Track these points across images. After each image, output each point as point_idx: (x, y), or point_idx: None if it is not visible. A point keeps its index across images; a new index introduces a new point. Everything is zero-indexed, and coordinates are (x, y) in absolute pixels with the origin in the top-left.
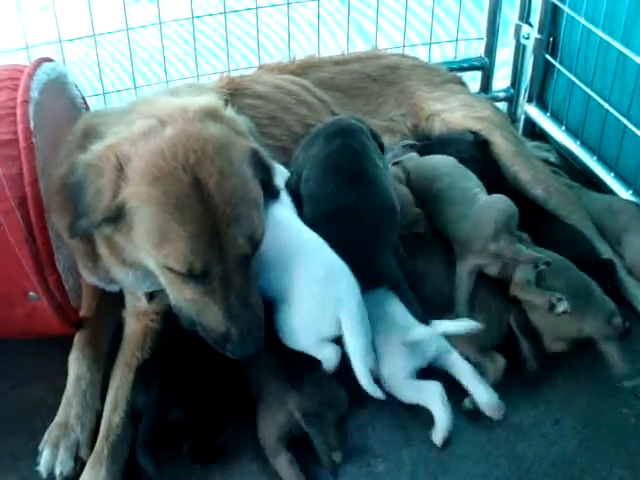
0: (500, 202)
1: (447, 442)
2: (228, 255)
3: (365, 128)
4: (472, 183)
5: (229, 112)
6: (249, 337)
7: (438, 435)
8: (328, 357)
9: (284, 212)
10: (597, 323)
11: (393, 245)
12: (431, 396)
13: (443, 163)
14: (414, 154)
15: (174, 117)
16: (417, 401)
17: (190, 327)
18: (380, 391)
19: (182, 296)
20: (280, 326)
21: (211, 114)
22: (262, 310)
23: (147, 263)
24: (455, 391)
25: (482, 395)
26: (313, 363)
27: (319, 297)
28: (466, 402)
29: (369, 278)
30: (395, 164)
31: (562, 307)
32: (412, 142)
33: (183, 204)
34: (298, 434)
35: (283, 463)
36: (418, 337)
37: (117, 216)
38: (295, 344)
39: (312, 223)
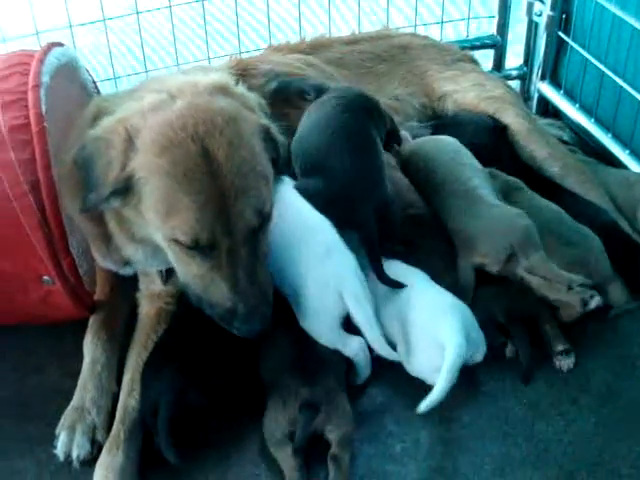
0: (519, 221)
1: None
2: (236, 227)
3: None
4: (471, 173)
5: (240, 88)
6: (256, 313)
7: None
8: (355, 352)
9: (288, 194)
10: (600, 266)
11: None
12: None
13: (441, 149)
14: (409, 137)
15: (184, 91)
16: None
17: (198, 304)
18: (394, 353)
19: (189, 272)
20: (300, 319)
21: (221, 89)
22: (270, 287)
23: (155, 237)
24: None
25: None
26: (329, 364)
27: (321, 276)
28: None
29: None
30: (396, 155)
31: (595, 303)
32: (416, 124)
33: (191, 174)
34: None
35: (287, 453)
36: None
37: (126, 188)
38: (316, 334)
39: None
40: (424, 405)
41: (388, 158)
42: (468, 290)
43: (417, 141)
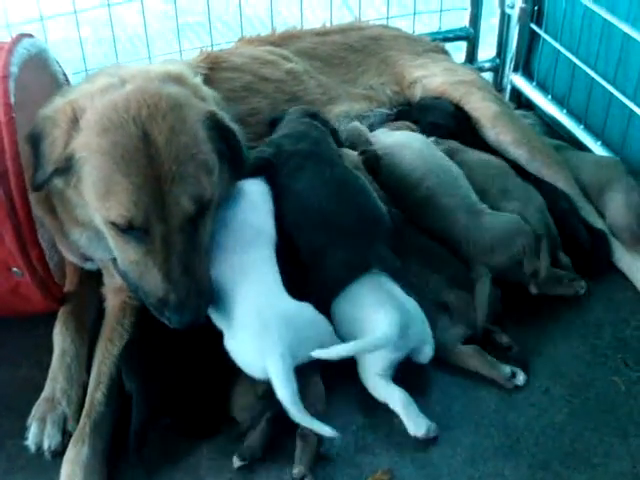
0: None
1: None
2: (171, 214)
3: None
4: (462, 182)
5: (195, 80)
6: (187, 304)
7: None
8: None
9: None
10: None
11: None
12: (396, 404)
13: (422, 155)
14: (381, 132)
15: (135, 77)
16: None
17: (135, 293)
18: (320, 424)
19: (126, 257)
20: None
21: (174, 78)
22: (207, 279)
23: (95, 220)
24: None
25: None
26: None
27: (250, 343)
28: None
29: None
30: (362, 153)
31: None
32: (387, 111)
33: (130, 156)
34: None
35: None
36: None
37: (67, 167)
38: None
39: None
40: (318, 352)
41: (357, 162)
42: (484, 299)
43: (389, 143)
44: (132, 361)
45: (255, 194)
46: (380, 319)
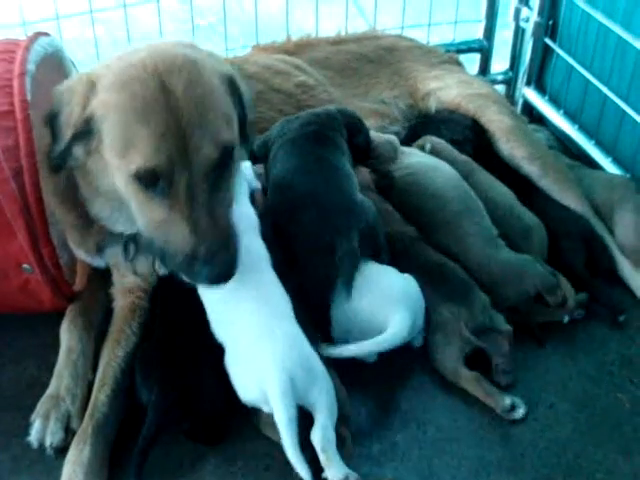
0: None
1: None
2: (194, 160)
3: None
4: (486, 220)
5: (207, 50)
6: (218, 255)
7: None
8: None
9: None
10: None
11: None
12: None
13: (449, 181)
14: (413, 151)
15: (149, 45)
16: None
17: (162, 260)
18: (306, 469)
19: (149, 217)
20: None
21: (188, 45)
22: (233, 233)
23: (117, 183)
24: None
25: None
26: None
27: (247, 359)
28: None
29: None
30: (374, 171)
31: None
32: (399, 129)
33: (149, 107)
34: None
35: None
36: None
37: (86, 130)
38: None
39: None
40: (330, 349)
41: (368, 180)
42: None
43: (414, 166)
44: (149, 369)
45: (244, 218)
46: (393, 318)
